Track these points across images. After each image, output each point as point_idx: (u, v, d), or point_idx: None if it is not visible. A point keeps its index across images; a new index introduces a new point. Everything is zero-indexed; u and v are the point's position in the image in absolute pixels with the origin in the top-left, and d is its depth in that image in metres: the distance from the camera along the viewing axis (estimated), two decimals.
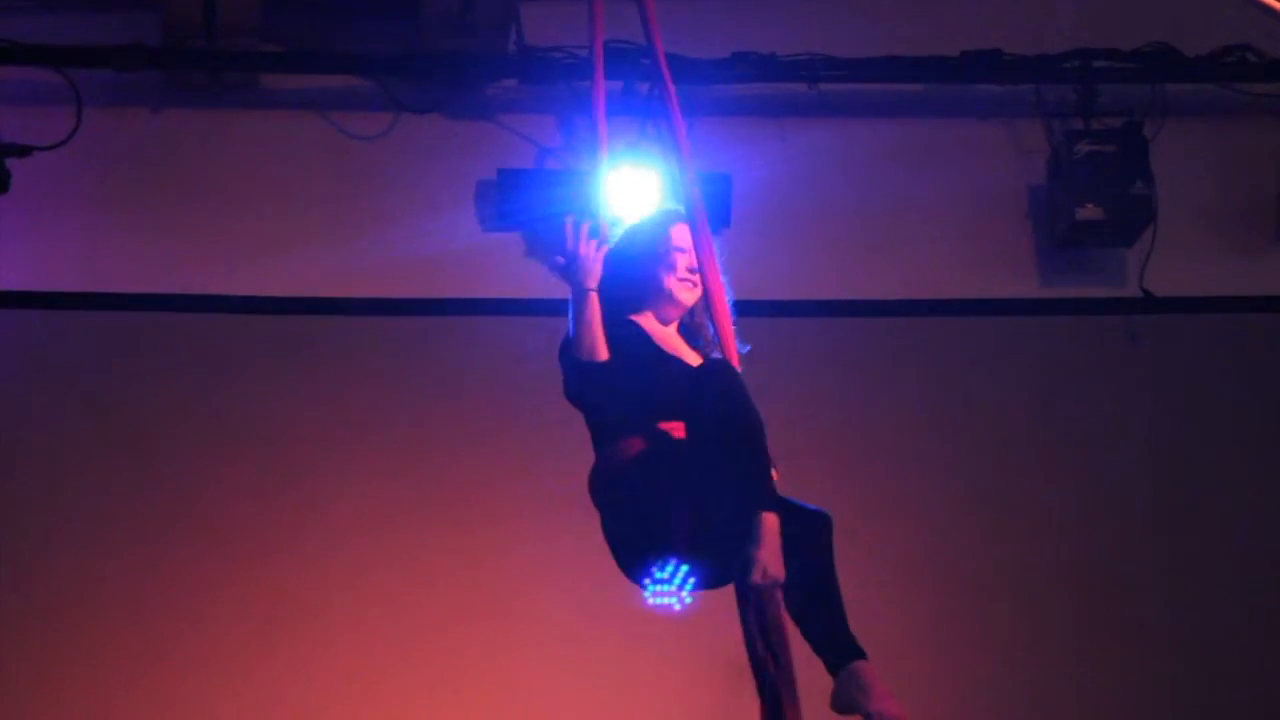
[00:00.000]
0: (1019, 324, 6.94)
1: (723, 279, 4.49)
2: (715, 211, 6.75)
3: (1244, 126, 6.99)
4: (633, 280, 4.48)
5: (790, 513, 4.22)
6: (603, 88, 4.60)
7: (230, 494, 6.64)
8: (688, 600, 4.33)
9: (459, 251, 6.79)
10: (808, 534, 4.29)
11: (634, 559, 4.26)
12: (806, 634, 4.31)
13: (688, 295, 4.56)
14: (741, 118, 6.94)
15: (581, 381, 4.33)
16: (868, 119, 6.99)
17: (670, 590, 4.29)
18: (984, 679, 6.68)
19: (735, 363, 4.39)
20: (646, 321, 4.48)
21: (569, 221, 4.34)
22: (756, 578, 4.07)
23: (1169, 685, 6.69)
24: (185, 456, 6.66)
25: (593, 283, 4.29)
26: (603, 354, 4.28)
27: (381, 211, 6.82)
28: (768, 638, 4.33)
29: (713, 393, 4.20)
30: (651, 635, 6.13)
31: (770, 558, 4.08)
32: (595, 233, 4.35)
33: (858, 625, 6.63)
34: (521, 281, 6.66)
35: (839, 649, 4.30)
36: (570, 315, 4.28)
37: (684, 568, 4.25)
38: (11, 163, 6.42)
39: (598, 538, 4.31)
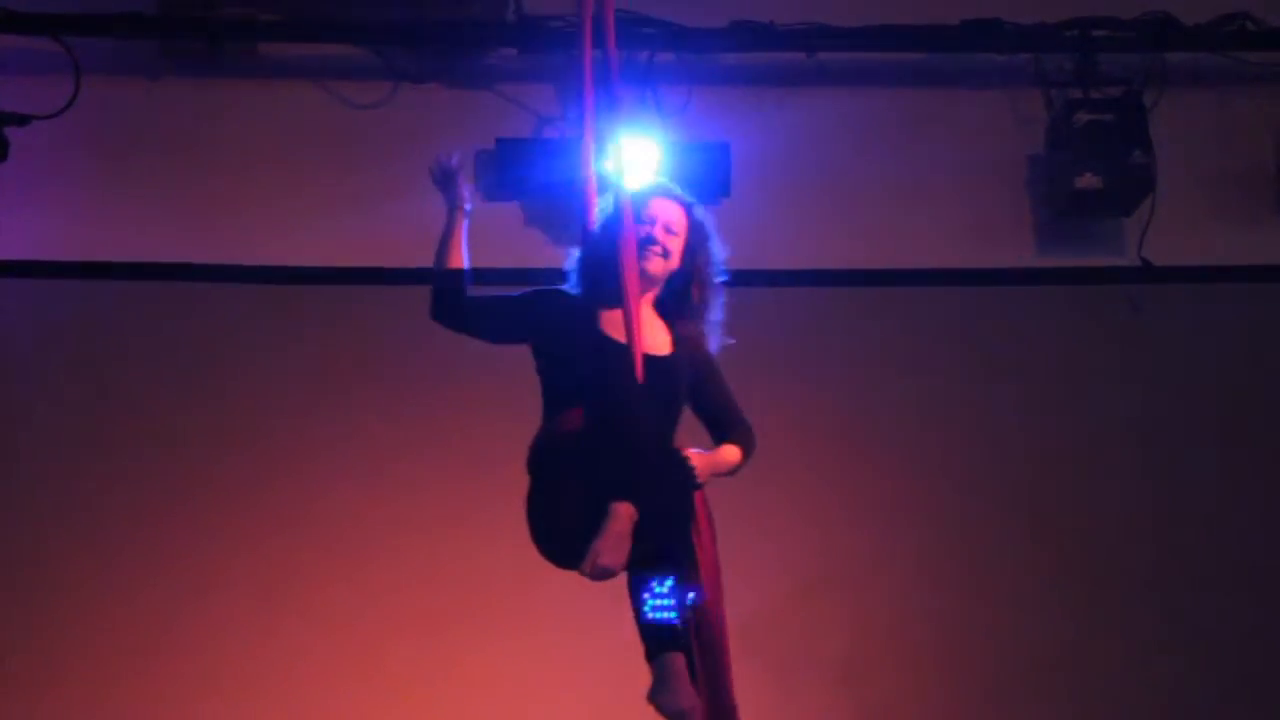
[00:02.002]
0: (1017, 293, 6.94)
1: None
2: (714, 181, 6.78)
3: (1243, 95, 6.99)
4: (602, 259, 4.54)
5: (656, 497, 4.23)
6: (590, 57, 4.62)
7: (227, 464, 6.65)
8: (689, 616, 4.38)
9: None
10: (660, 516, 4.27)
11: (540, 535, 4.40)
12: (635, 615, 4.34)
13: (649, 265, 4.59)
14: (741, 87, 6.93)
15: (440, 297, 4.65)
16: (866, 88, 6.98)
17: (669, 605, 4.32)
18: (975, 640, 6.70)
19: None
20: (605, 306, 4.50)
21: (443, 155, 4.50)
22: (585, 568, 4.11)
23: (1167, 660, 6.72)
24: (183, 427, 6.66)
25: (460, 201, 4.67)
26: (455, 262, 4.64)
27: (380, 181, 6.81)
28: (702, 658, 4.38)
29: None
30: None
31: (605, 547, 4.10)
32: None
33: (858, 601, 6.71)
34: (521, 251, 6.65)
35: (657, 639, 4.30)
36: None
37: (678, 581, 4.30)
38: (10, 131, 6.42)
39: None
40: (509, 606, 6.58)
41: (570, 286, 4.71)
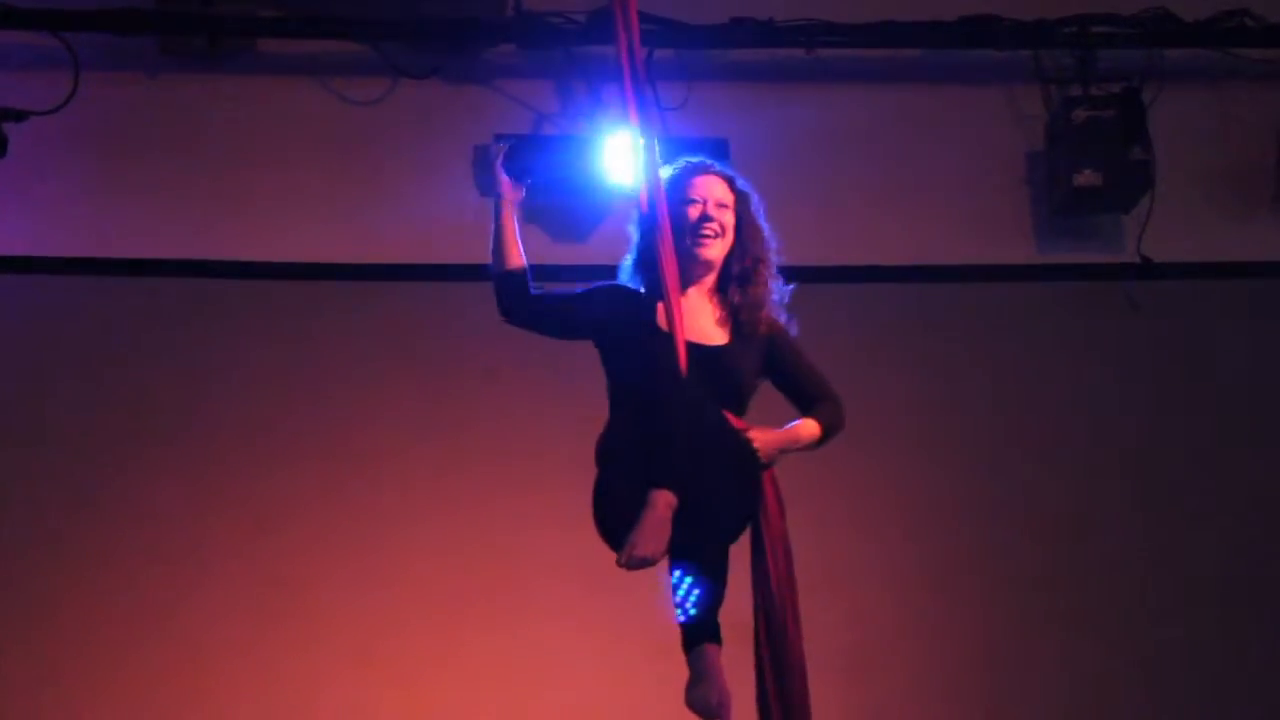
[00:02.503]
0: (1016, 290, 6.94)
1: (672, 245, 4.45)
2: None
3: (1242, 92, 6.98)
4: (651, 246, 4.49)
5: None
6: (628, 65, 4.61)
7: (226, 459, 6.64)
8: (691, 612, 4.36)
9: (456, 216, 6.78)
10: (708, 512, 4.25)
11: (600, 526, 4.35)
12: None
13: (707, 250, 4.54)
14: (740, 83, 6.93)
15: (506, 297, 4.54)
16: (866, 85, 6.98)
17: (679, 601, 4.31)
18: (975, 639, 6.70)
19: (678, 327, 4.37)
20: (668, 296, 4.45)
21: (493, 147, 4.46)
22: (621, 559, 4.08)
23: (1168, 658, 6.72)
24: (182, 421, 6.66)
25: (506, 193, 4.55)
26: (515, 262, 4.51)
27: (379, 177, 6.81)
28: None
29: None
30: (655, 600, 6.13)
31: (640, 537, 4.07)
32: (511, 155, 4.57)
33: (858, 599, 6.71)
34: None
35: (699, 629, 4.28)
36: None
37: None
38: (8, 127, 6.42)
39: None
40: (510, 598, 6.59)
41: (629, 280, 4.66)
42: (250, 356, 6.71)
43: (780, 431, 4.53)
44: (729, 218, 4.62)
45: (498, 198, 4.61)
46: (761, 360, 4.60)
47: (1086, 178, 6.72)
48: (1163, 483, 6.82)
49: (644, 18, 6.64)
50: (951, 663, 6.68)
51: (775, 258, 4.68)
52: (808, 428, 4.60)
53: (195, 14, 6.66)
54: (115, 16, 6.58)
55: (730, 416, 4.44)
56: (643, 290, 4.59)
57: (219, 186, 6.79)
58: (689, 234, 4.55)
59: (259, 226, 6.77)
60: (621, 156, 6.31)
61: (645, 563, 4.09)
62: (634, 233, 4.68)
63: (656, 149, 4.54)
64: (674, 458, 4.15)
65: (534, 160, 4.63)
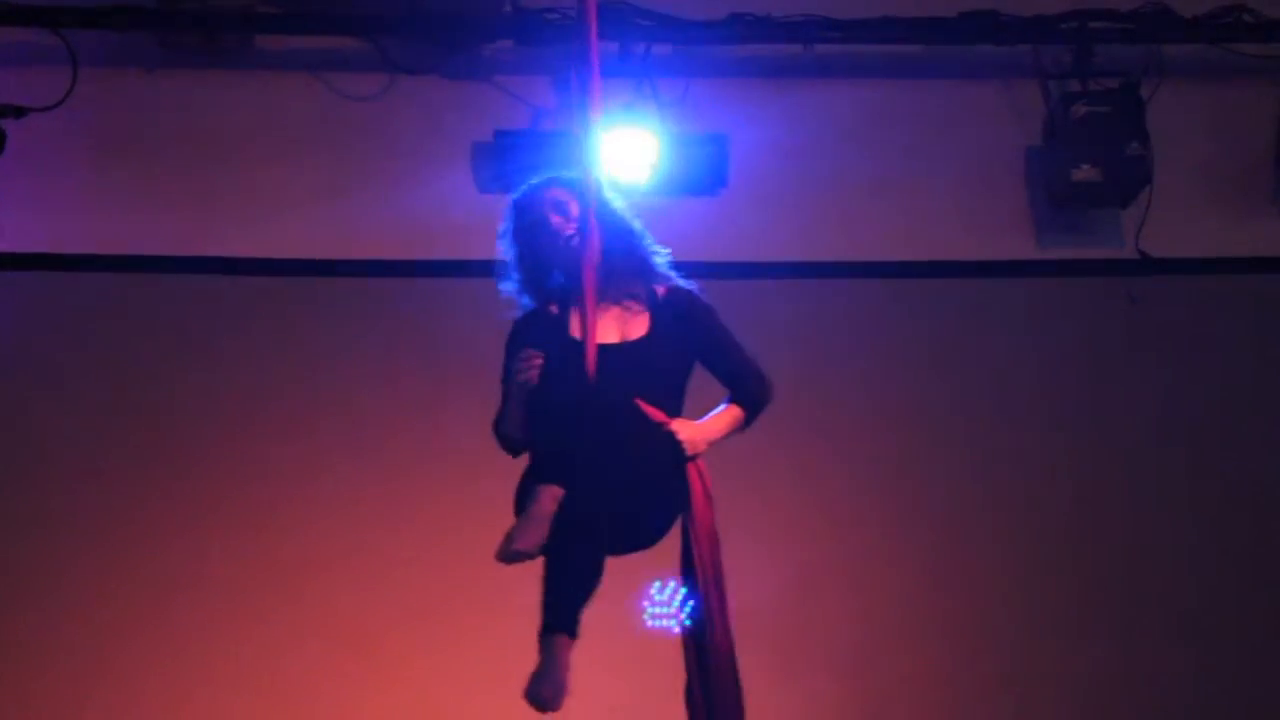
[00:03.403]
0: (1015, 285, 6.94)
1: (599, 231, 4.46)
2: (712, 172, 6.79)
3: (1240, 87, 6.98)
4: (535, 265, 4.57)
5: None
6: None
7: (227, 454, 6.65)
8: (686, 623, 4.38)
9: (455, 213, 6.79)
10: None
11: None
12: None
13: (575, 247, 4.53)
14: (738, 79, 6.93)
15: (517, 448, 4.54)
16: (864, 80, 6.98)
17: (669, 613, 4.32)
18: (978, 632, 6.71)
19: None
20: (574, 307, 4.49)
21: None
22: (498, 553, 4.17)
23: (1168, 653, 6.72)
24: (182, 416, 6.67)
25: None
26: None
27: (377, 173, 6.81)
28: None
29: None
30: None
31: (517, 530, 4.18)
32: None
33: (862, 593, 6.71)
34: None
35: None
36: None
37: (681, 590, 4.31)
38: (7, 123, 6.42)
39: None
40: (506, 594, 6.56)
41: (521, 303, 4.69)
42: (247, 352, 6.71)
43: (703, 422, 4.53)
44: (572, 223, 4.60)
45: (517, 377, 4.52)
46: (685, 345, 4.59)
47: (1085, 173, 6.72)
48: (1163, 478, 6.82)
49: (642, 13, 6.70)
50: (953, 661, 6.68)
51: (644, 234, 4.66)
52: (730, 413, 4.59)
53: (194, 10, 6.65)
54: (114, 13, 6.58)
55: (651, 410, 4.43)
56: (553, 310, 4.61)
57: (218, 183, 6.78)
58: (561, 243, 4.56)
59: (257, 223, 6.77)
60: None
61: (521, 556, 4.17)
62: (506, 249, 4.69)
63: (599, 153, 4.55)
64: (568, 457, 4.22)
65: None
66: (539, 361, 4.42)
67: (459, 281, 6.76)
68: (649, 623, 4.38)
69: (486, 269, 4.74)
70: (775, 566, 6.63)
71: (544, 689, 4.21)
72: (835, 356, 6.85)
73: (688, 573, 4.47)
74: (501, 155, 6.73)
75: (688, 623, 4.40)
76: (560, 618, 4.26)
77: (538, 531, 4.17)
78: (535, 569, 6.53)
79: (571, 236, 4.55)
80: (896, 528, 6.73)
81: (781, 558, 6.65)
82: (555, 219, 4.60)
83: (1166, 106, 6.81)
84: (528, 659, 6.47)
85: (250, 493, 6.63)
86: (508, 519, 6.62)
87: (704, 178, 6.80)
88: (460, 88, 6.89)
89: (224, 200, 6.78)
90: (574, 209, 4.58)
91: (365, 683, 6.56)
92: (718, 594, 4.44)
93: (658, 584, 4.34)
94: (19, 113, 6.42)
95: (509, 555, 4.17)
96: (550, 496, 4.19)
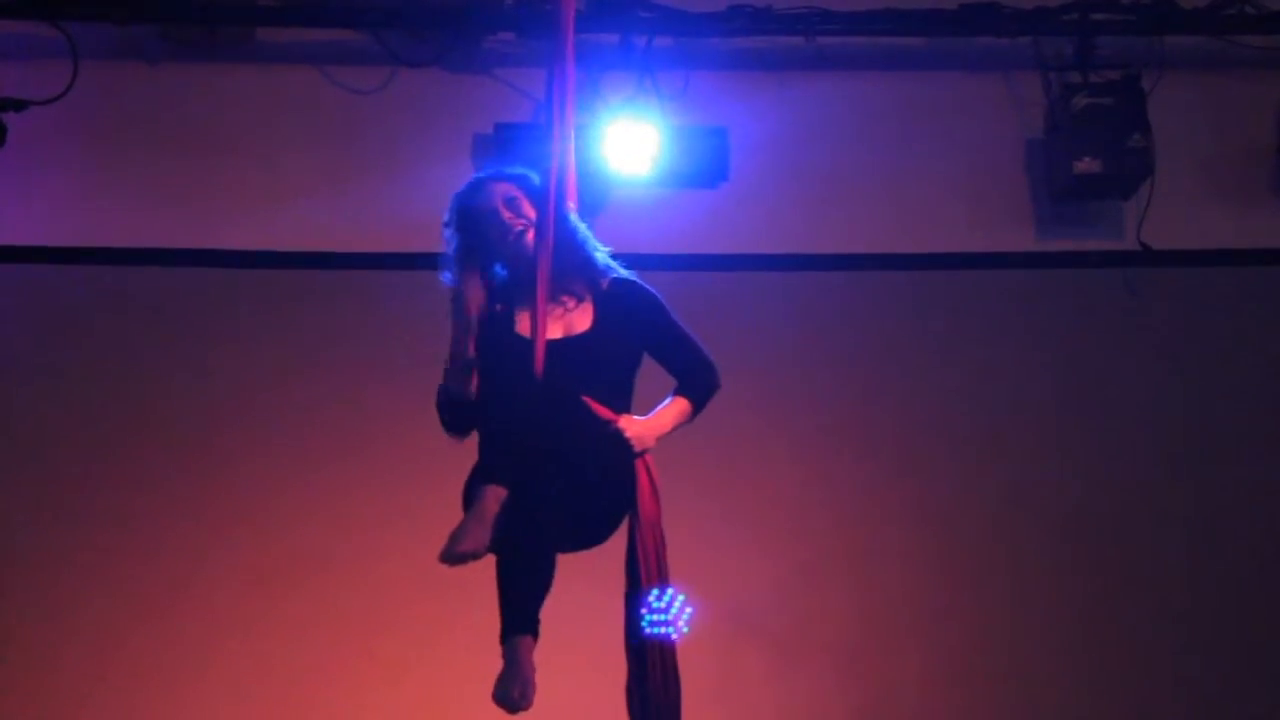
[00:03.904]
0: (1016, 277, 6.93)
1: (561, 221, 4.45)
2: (713, 165, 6.78)
3: (1242, 79, 6.98)
4: (481, 256, 4.54)
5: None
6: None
7: (230, 449, 6.65)
8: (685, 629, 4.38)
9: None
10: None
11: None
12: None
13: (530, 245, 4.51)
14: (739, 72, 6.92)
15: (459, 426, 4.50)
16: (865, 73, 6.98)
17: (667, 620, 4.32)
18: (976, 625, 6.71)
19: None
20: (519, 303, 4.48)
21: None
22: (441, 554, 4.17)
23: (1168, 648, 6.72)
24: (181, 411, 6.67)
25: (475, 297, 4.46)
26: (474, 393, 4.43)
27: (378, 166, 6.81)
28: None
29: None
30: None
31: (460, 531, 4.18)
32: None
33: (858, 585, 6.71)
34: None
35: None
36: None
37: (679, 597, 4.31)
38: (8, 116, 6.42)
39: None
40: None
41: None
42: (248, 345, 6.71)
43: (650, 417, 4.51)
44: (528, 209, 4.57)
45: (462, 306, 4.51)
46: (632, 337, 4.56)
47: (1086, 165, 6.71)
48: (1163, 470, 6.82)
49: (643, 5, 6.70)
50: (952, 648, 6.68)
51: (581, 226, 4.61)
52: (677, 405, 4.57)
53: (195, 3, 6.66)
54: (115, 5, 6.57)
55: (598, 407, 4.41)
56: (497, 307, 4.56)
57: (218, 176, 6.78)
58: (511, 237, 4.53)
59: (257, 216, 6.76)
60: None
61: (465, 557, 4.17)
62: (449, 238, 4.64)
63: (570, 145, 4.52)
64: (511, 456, 4.22)
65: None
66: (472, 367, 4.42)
67: None
68: (646, 630, 4.34)
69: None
70: (775, 562, 6.63)
71: (512, 689, 4.22)
72: (835, 349, 6.85)
73: (632, 570, 4.45)
74: (502, 148, 6.73)
75: (685, 629, 4.38)
76: (519, 620, 4.29)
77: (481, 532, 4.18)
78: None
79: (522, 231, 4.52)
80: (896, 521, 6.73)
81: (781, 553, 6.65)
82: (506, 214, 4.57)
83: (1168, 99, 6.80)
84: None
85: (248, 487, 6.63)
86: None
87: (705, 170, 6.79)
88: (461, 80, 6.89)
89: (224, 193, 6.77)
90: (525, 206, 4.56)
91: (366, 679, 6.55)
92: (660, 589, 4.44)
93: (655, 591, 4.32)
94: (19, 106, 6.41)
95: (452, 557, 4.17)
96: (494, 497, 4.20)
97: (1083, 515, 6.78)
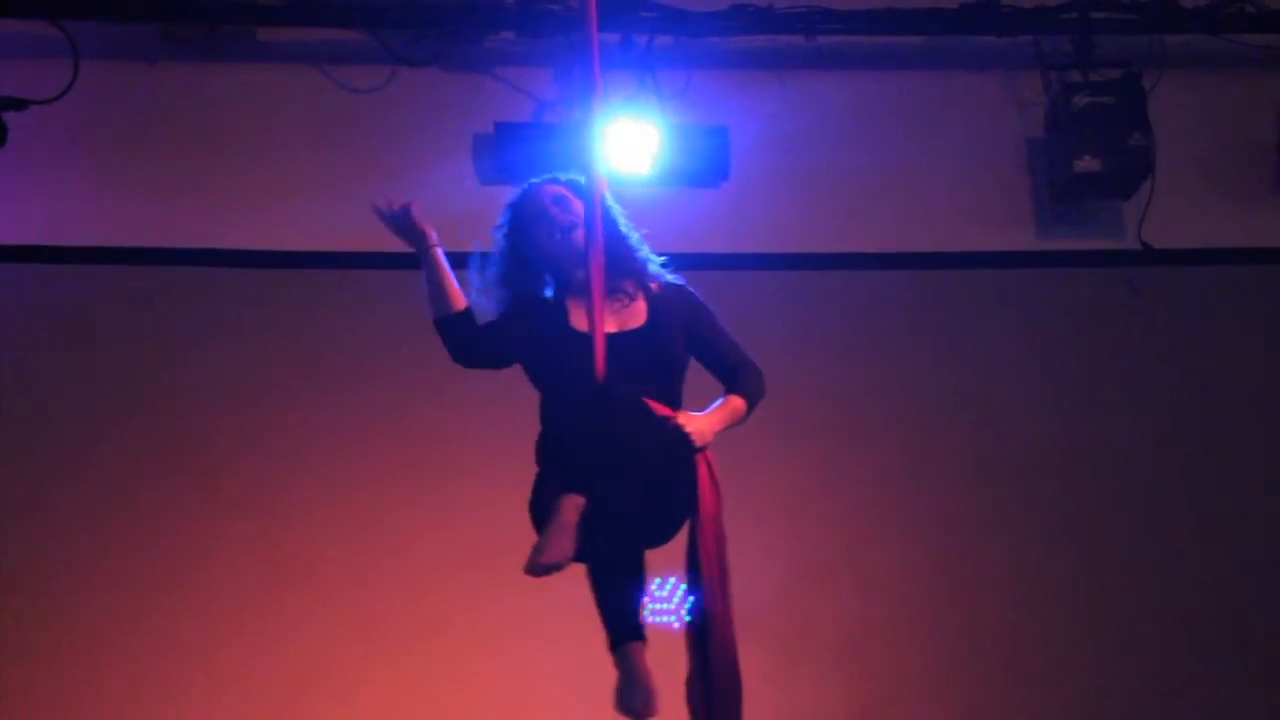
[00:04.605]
0: (1017, 276, 6.94)
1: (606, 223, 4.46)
2: (714, 164, 6.78)
3: (1242, 78, 6.99)
4: (529, 258, 4.57)
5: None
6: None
7: (233, 446, 6.65)
8: (686, 619, 4.38)
9: (456, 205, 6.77)
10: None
11: (536, 522, 4.34)
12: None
13: (574, 243, 4.54)
14: (740, 70, 6.93)
15: (457, 343, 4.56)
16: (866, 71, 6.98)
17: (669, 609, 4.32)
18: (978, 624, 6.71)
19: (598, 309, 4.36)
20: (571, 299, 4.50)
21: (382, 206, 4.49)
22: (526, 566, 4.11)
23: (1168, 647, 6.72)
24: (181, 410, 6.66)
25: (428, 243, 4.59)
26: (458, 304, 4.55)
27: (379, 165, 6.80)
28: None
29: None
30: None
31: (544, 543, 4.11)
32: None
33: (862, 584, 6.71)
34: None
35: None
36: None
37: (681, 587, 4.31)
38: (8, 116, 6.42)
39: None
40: (509, 586, 6.56)
41: (497, 293, 4.68)
42: (248, 345, 6.71)
43: (709, 414, 4.51)
44: (577, 207, 4.59)
45: (423, 244, 4.63)
46: (683, 335, 4.57)
47: (1086, 164, 6.72)
48: (1164, 468, 6.82)
49: (644, 5, 6.70)
50: (954, 647, 6.68)
51: (627, 238, 4.63)
52: (731, 404, 4.57)
53: (195, 2, 6.66)
54: (116, 5, 6.58)
55: (657, 406, 4.41)
56: (549, 295, 4.60)
57: (219, 175, 6.79)
58: (559, 233, 4.56)
59: (258, 214, 6.76)
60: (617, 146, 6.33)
61: (550, 569, 4.12)
62: (498, 240, 4.68)
63: (601, 144, 4.56)
64: (584, 463, 4.19)
65: None
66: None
67: (460, 273, 6.75)
68: (649, 619, 4.34)
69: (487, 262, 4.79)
70: (778, 560, 6.63)
71: (635, 698, 4.21)
72: (835, 348, 6.85)
73: (693, 565, 4.45)
74: (502, 147, 6.74)
75: (688, 617, 4.38)
76: (625, 627, 4.28)
77: (565, 543, 4.12)
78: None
79: (571, 226, 4.54)
80: (897, 521, 6.73)
81: (784, 551, 6.65)
82: (554, 211, 4.60)
83: (1168, 97, 6.81)
84: (527, 649, 6.55)
85: (251, 484, 6.63)
86: (511, 509, 6.63)
87: (705, 169, 6.80)
88: (461, 80, 6.89)
89: (225, 192, 6.77)
90: (575, 205, 4.58)
91: (366, 678, 6.56)
92: (722, 586, 4.43)
93: (658, 580, 4.31)
94: (20, 105, 6.41)
95: (538, 569, 4.10)
96: (573, 506, 4.14)
97: (1083, 515, 6.78)
